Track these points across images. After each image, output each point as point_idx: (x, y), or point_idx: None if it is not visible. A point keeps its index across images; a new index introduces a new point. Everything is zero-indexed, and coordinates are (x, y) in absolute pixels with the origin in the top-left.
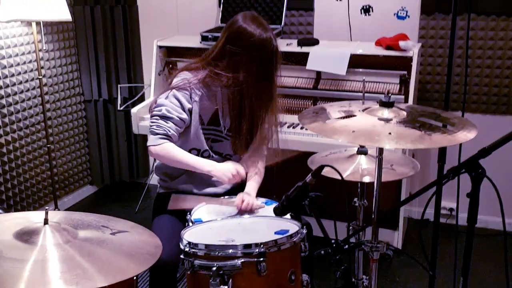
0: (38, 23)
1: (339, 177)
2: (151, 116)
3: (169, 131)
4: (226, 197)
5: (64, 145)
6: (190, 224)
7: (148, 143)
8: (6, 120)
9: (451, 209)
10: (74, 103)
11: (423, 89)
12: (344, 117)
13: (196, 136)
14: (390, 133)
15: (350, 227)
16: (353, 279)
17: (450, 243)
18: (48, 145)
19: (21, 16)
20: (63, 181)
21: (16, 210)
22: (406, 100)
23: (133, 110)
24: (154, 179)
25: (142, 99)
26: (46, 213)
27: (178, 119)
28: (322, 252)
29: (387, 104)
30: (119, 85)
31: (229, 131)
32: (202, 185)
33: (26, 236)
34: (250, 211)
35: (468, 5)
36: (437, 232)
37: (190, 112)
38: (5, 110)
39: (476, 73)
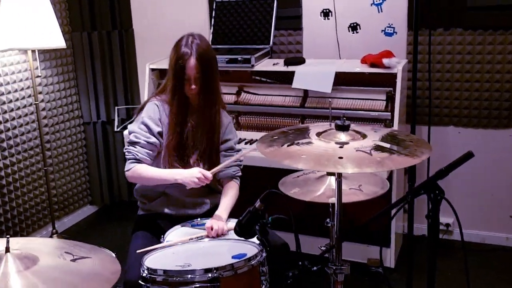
0: (33, 51)
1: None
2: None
3: (137, 154)
4: (199, 219)
5: (63, 167)
6: None
7: (125, 170)
8: (4, 144)
9: (447, 225)
10: (73, 125)
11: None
12: (297, 143)
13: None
14: (341, 158)
15: (323, 247)
16: None
17: (446, 259)
18: (46, 168)
19: (17, 45)
20: (62, 202)
21: (14, 233)
22: (392, 117)
23: (125, 132)
24: None
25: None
26: (8, 241)
27: (146, 142)
28: (290, 274)
29: (343, 128)
30: (116, 107)
31: (192, 153)
32: (178, 207)
33: None
34: (222, 234)
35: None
36: (411, 252)
37: (160, 135)
38: (3, 135)
39: (466, 87)
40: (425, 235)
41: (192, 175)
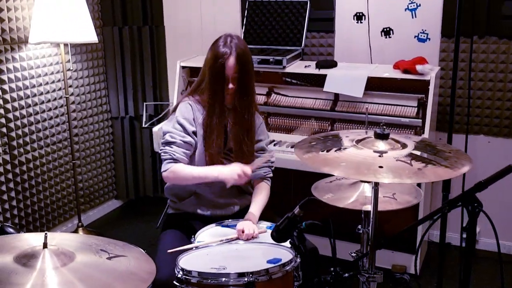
0: (66, 45)
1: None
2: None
3: (174, 154)
4: (229, 220)
5: (90, 160)
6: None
7: (161, 170)
8: (34, 136)
9: None
10: (101, 120)
11: (444, 111)
12: (337, 149)
13: (201, 159)
14: (381, 167)
15: (353, 254)
16: None
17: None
18: (74, 161)
19: (50, 39)
20: (88, 195)
21: (41, 225)
22: (423, 124)
23: (155, 129)
24: None
25: (166, 116)
26: (45, 237)
27: (182, 142)
28: (322, 279)
29: (382, 136)
30: (144, 103)
31: (232, 152)
32: (208, 207)
33: (25, 259)
34: (253, 237)
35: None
36: (442, 261)
37: (195, 134)
38: (33, 128)
39: (498, 96)
40: (451, 243)
41: (233, 171)
